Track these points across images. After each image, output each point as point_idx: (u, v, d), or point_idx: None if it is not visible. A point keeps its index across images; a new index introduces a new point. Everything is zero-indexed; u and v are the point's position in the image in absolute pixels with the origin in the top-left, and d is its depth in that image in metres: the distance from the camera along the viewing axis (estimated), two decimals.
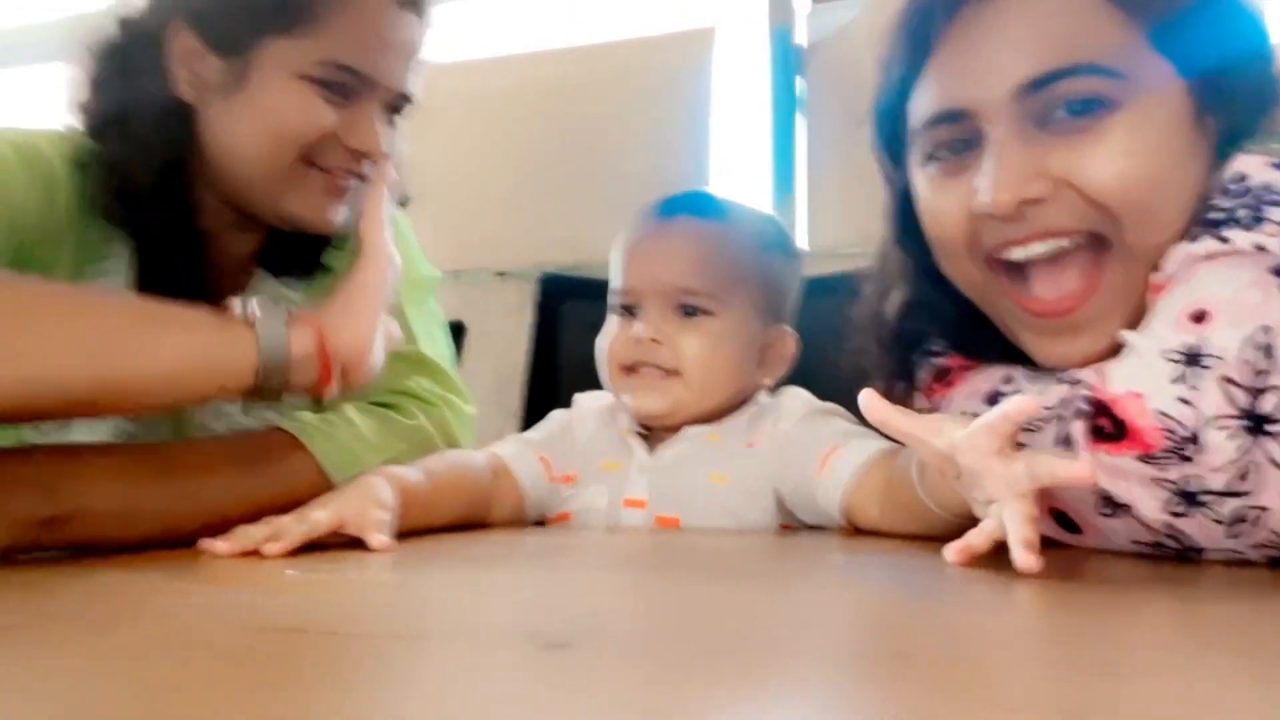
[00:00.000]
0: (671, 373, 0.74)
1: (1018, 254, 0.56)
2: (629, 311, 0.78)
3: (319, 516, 0.55)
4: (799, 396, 0.78)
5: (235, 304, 0.60)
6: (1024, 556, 0.44)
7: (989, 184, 0.55)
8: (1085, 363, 0.55)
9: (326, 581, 0.44)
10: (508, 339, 1.47)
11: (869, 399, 0.51)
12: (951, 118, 0.58)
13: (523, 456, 0.78)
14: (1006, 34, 0.56)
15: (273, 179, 0.72)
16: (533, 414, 1.24)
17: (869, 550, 0.60)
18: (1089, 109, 0.54)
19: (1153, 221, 0.53)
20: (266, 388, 0.59)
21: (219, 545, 0.53)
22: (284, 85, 0.70)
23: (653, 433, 0.78)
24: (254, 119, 0.71)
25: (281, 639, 0.31)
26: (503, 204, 1.61)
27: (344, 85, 0.71)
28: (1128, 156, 0.53)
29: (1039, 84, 0.54)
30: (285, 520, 0.55)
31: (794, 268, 0.83)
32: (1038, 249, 0.56)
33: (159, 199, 0.74)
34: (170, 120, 0.72)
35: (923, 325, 0.67)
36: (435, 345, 0.83)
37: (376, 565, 0.51)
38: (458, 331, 1.26)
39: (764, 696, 0.24)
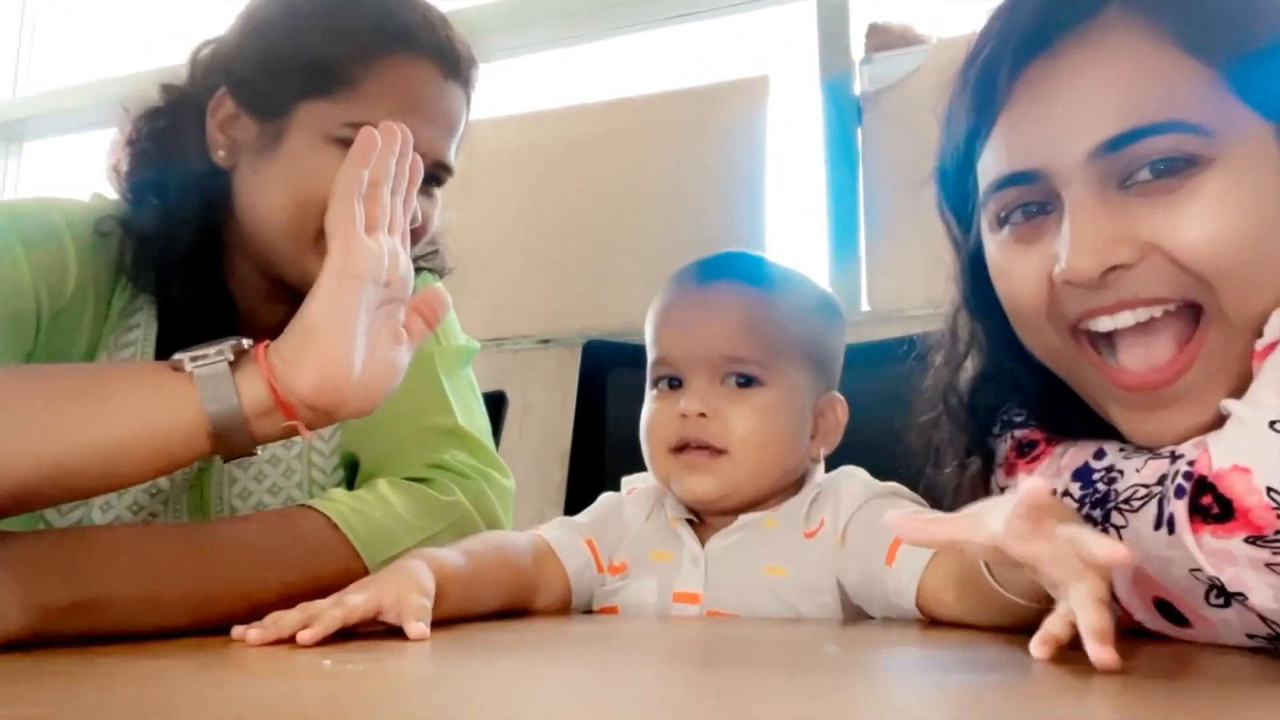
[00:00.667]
0: (720, 451, 0.73)
1: (1104, 324, 0.56)
2: (671, 384, 0.77)
3: (355, 602, 0.55)
4: (857, 478, 0.77)
5: (180, 358, 0.56)
6: (1095, 650, 0.42)
7: (1069, 250, 0.54)
8: (1182, 439, 0.54)
9: (363, 673, 0.44)
10: (552, 409, 1.49)
11: (896, 521, 0.50)
12: (1024, 179, 0.58)
13: (569, 541, 0.77)
14: (1080, 90, 0.55)
15: (299, 243, 0.73)
16: (576, 487, 1.24)
17: (943, 643, 0.58)
18: (1175, 169, 0.53)
19: (1252, 286, 0.53)
20: (232, 447, 0.57)
21: (251, 634, 0.53)
22: (315, 147, 0.73)
23: (703, 519, 0.77)
24: (283, 181, 0.74)
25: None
26: (547, 267, 1.64)
27: None
28: (1220, 217, 0.53)
29: (1118, 143, 0.54)
30: (320, 606, 0.56)
31: (841, 330, 0.83)
32: (1127, 318, 0.55)
33: (191, 265, 0.77)
34: (207, 185, 0.76)
35: (1000, 398, 0.67)
36: (472, 417, 0.84)
37: (414, 655, 0.52)
38: (498, 401, 1.27)
39: None
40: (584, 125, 1.70)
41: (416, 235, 0.77)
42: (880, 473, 0.78)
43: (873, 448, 0.81)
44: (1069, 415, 0.63)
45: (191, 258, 0.77)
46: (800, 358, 0.77)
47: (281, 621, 0.54)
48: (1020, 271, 0.59)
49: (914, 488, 0.74)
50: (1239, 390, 0.53)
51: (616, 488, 0.86)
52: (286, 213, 0.74)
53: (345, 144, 0.70)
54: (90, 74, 2.12)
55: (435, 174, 0.78)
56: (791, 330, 0.77)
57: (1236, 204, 0.53)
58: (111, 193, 0.80)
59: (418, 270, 0.86)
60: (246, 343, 0.58)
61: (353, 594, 0.57)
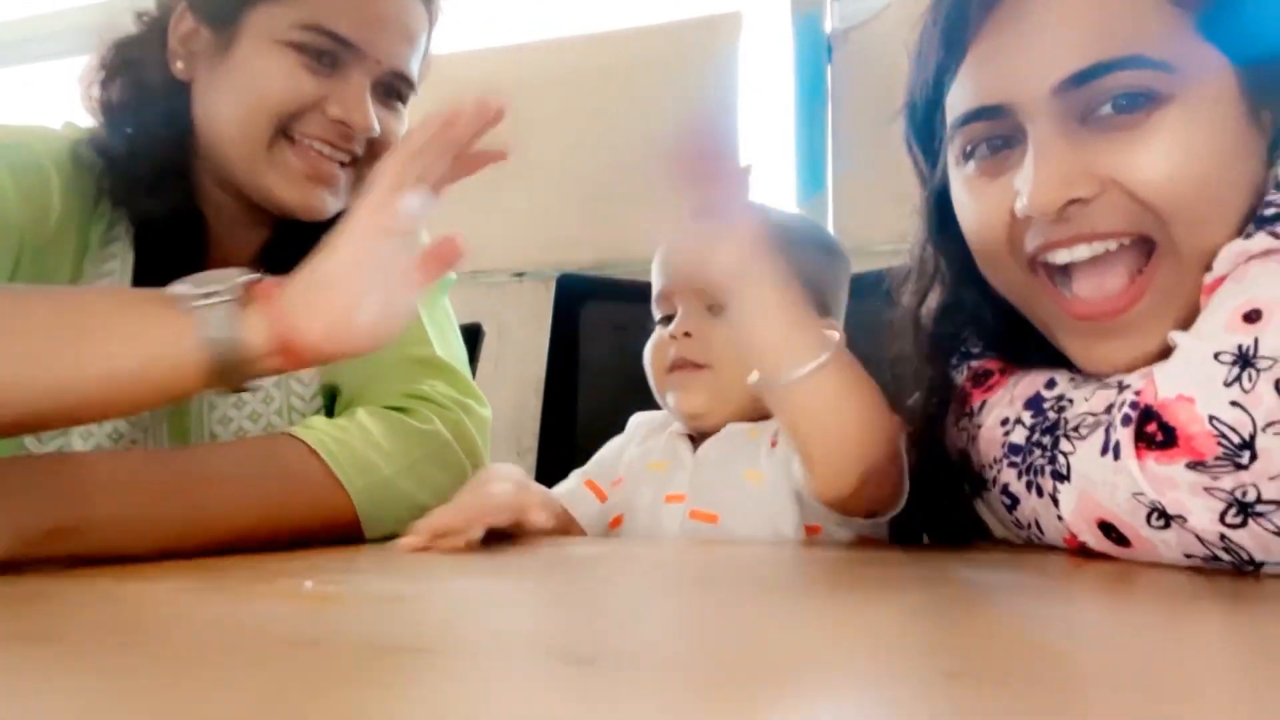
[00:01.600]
0: (704, 367, 0.74)
1: (1062, 256, 0.56)
2: (668, 319, 0.78)
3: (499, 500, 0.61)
4: None
5: (179, 288, 0.54)
6: None
7: (1031, 185, 0.54)
8: (1130, 368, 0.55)
9: (345, 595, 0.44)
10: (527, 340, 1.48)
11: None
12: (990, 114, 0.57)
13: (576, 493, 0.80)
14: (1047, 25, 0.55)
15: (252, 152, 0.71)
16: (551, 414, 1.24)
17: (911, 563, 0.59)
18: (1136, 104, 0.53)
19: (1204, 223, 0.53)
20: (228, 383, 0.55)
21: (406, 542, 0.57)
22: (265, 51, 0.70)
23: (701, 437, 0.78)
24: (235, 87, 0.71)
25: (300, 652, 0.31)
26: (522, 202, 1.62)
27: (327, 52, 0.70)
28: (1178, 154, 0.52)
29: (1083, 78, 0.53)
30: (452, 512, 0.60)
31: (834, 265, 0.82)
32: (1083, 251, 0.55)
33: (161, 183, 0.74)
34: (168, 100, 0.73)
35: (961, 329, 0.67)
36: (449, 347, 0.83)
37: (396, 578, 0.52)
38: (474, 334, 1.26)
39: (801, 716, 0.24)
40: (560, 60, 1.67)
41: (379, 148, 0.75)
42: None
43: None
44: (1025, 345, 0.63)
45: (161, 176, 0.74)
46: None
47: (434, 523, 0.58)
48: (983, 205, 0.59)
49: None
50: (1187, 322, 0.53)
51: (590, 415, 0.87)
52: (236, 119, 0.71)
53: (295, 47, 0.70)
54: (56, 2, 2.03)
55: (395, 85, 0.76)
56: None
57: (1195, 141, 0.53)
58: (82, 122, 0.77)
59: None
60: (253, 278, 0.55)
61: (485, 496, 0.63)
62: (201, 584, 0.49)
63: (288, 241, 0.77)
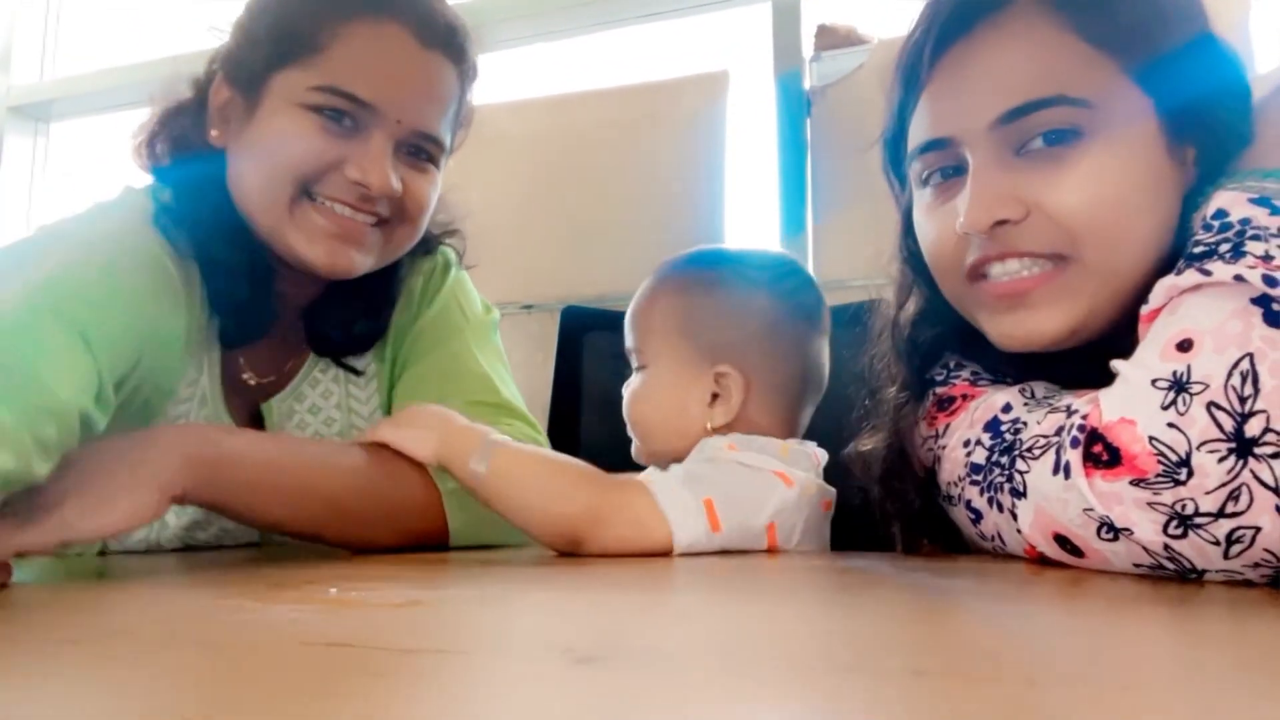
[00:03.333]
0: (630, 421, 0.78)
1: (995, 270, 0.59)
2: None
3: None
4: (703, 448, 0.72)
5: None
6: None
7: (966, 205, 0.57)
8: (1028, 344, 0.58)
9: (366, 599, 0.44)
10: (533, 368, 1.48)
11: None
12: (939, 145, 0.60)
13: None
14: (988, 69, 0.58)
15: (276, 212, 0.67)
16: (555, 439, 1.24)
17: (886, 570, 0.59)
18: (1063, 138, 0.56)
19: (1116, 244, 0.56)
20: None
21: None
22: (284, 114, 0.67)
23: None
24: (258, 150, 0.68)
25: (324, 653, 0.31)
26: (529, 240, 1.63)
27: (346, 113, 0.66)
28: (1093, 183, 0.55)
29: (1014, 115, 0.56)
30: None
31: (720, 304, 0.76)
32: (1013, 266, 0.58)
33: (232, 238, 0.70)
34: (208, 165, 0.70)
35: (931, 332, 0.69)
36: (509, 387, 0.81)
37: (414, 584, 0.52)
38: None
39: (783, 710, 0.24)
40: (563, 115, 1.69)
41: (408, 207, 0.71)
42: (825, 425, 0.79)
43: (820, 404, 0.82)
44: (988, 347, 0.64)
45: (230, 232, 0.70)
46: (672, 339, 0.75)
47: None
48: (935, 225, 0.63)
49: (849, 440, 0.74)
50: (1101, 329, 0.57)
51: (593, 437, 0.87)
52: (260, 181, 0.68)
53: (314, 109, 0.66)
54: (115, 58, 2.05)
55: (421, 146, 0.71)
56: (662, 316, 0.77)
57: (1111, 172, 0.56)
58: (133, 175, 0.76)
59: (438, 245, 0.85)
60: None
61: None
62: (230, 589, 0.48)
63: (329, 304, 0.77)
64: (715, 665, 0.30)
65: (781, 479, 0.69)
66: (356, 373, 0.81)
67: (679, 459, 0.72)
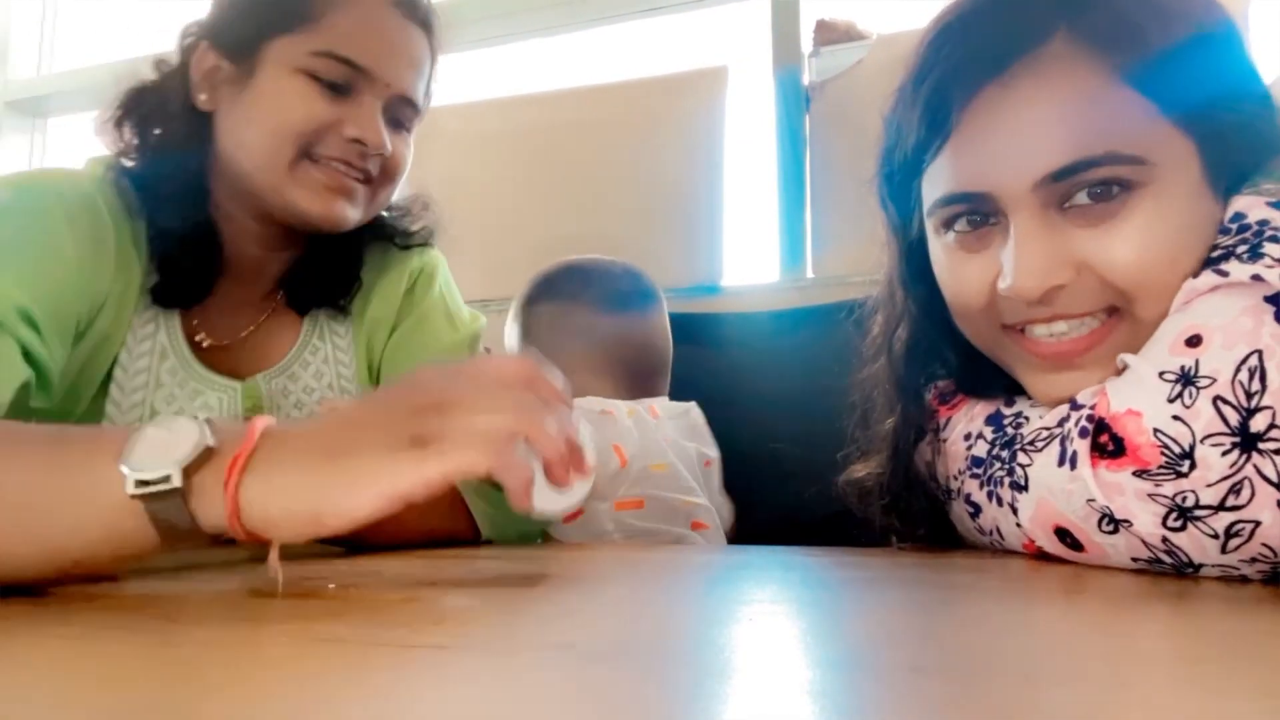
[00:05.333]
0: None
1: (1041, 330, 0.57)
2: None
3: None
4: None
5: (123, 466, 0.40)
6: None
7: (1014, 272, 0.54)
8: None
9: (365, 595, 0.44)
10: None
11: None
12: (972, 199, 0.57)
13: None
14: (1027, 120, 0.54)
15: (276, 170, 0.72)
16: None
17: (885, 568, 0.59)
18: (1109, 194, 0.53)
19: (1165, 293, 0.53)
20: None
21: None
22: (284, 79, 0.71)
23: None
24: (257, 113, 0.72)
25: (325, 649, 0.31)
26: (528, 237, 1.63)
27: (342, 77, 0.72)
28: (1147, 238, 0.53)
29: (1062, 175, 0.53)
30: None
31: (528, 307, 0.99)
32: (1060, 327, 0.56)
33: (181, 197, 0.74)
34: (191, 130, 0.74)
35: (927, 363, 0.68)
36: None
37: (411, 581, 0.51)
38: None
39: (783, 707, 0.24)
40: (562, 110, 1.68)
41: (390, 168, 0.77)
42: (821, 422, 0.79)
43: (814, 398, 0.82)
44: (983, 378, 0.64)
45: (183, 195, 0.74)
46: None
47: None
48: (966, 276, 0.59)
49: (850, 437, 0.75)
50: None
51: None
52: (262, 141, 0.72)
53: (311, 74, 0.71)
54: (112, 53, 2.05)
55: (402, 111, 0.77)
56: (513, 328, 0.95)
57: (1162, 225, 0.53)
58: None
59: (416, 239, 0.88)
60: (211, 442, 0.41)
61: None
62: (229, 583, 0.48)
63: (310, 265, 0.81)
64: (715, 662, 0.30)
65: (611, 412, 0.82)
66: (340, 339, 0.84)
67: None
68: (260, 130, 0.72)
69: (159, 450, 0.40)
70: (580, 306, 0.96)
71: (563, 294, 0.96)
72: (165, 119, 0.75)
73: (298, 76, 0.71)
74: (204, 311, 0.78)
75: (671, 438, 0.83)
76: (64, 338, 0.66)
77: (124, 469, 0.40)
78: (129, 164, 0.75)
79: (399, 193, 0.84)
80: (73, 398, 0.70)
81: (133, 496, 0.39)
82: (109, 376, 0.72)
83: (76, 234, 0.68)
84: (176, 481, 0.39)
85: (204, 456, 0.40)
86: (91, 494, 0.40)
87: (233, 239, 0.78)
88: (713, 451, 0.88)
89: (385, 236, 0.86)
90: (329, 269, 0.82)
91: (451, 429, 0.41)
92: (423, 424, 0.42)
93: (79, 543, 0.41)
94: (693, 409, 0.90)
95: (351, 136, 0.72)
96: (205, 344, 0.78)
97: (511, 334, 0.99)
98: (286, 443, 0.41)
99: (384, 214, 0.85)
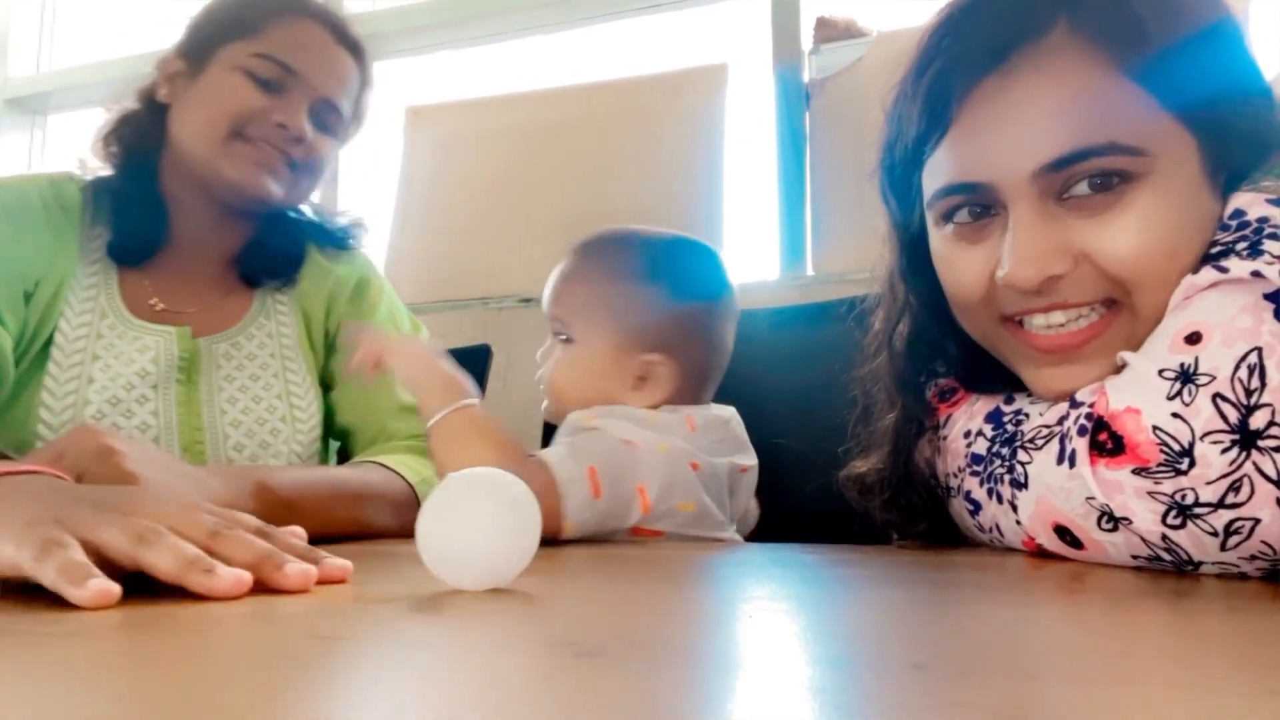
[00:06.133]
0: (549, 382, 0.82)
1: (1038, 320, 0.57)
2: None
3: None
4: (579, 417, 0.76)
5: None
6: None
7: (1012, 261, 0.54)
8: (1075, 392, 0.55)
9: (362, 594, 0.44)
10: (532, 361, 1.48)
11: None
12: (971, 189, 0.57)
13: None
14: (1027, 110, 0.54)
15: (211, 145, 0.85)
16: (549, 429, 1.24)
17: (885, 565, 0.59)
18: (1108, 184, 0.53)
19: (1164, 285, 0.53)
20: None
21: None
22: (227, 74, 0.86)
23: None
24: (202, 101, 0.86)
25: (324, 647, 0.31)
26: (529, 234, 1.63)
27: (275, 75, 0.85)
28: (1143, 230, 0.53)
29: (1061, 164, 0.53)
30: None
31: (660, 301, 0.78)
32: (1058, 318, 0.56)
33: (133, 176, 0.88)
34: (147, 119, 0.89)
35: (929, 356, 0.67)
36: None
37: (411, 579, 0.51)
38: (484, 354, 1.26)
39: (783, 704, 0.24)
40: (563, 107, 1.68)
41: (312, 162, 0.89)
42: (822, 418, 0.79)
43: (815, 395, 0.82)
44: (984, 373, 0.64)
45: (135, 174, 0.89)
46: (602, 322, 0.79)
47: None
48: (965, 267, 0.59)
49: (851, 433, 0.75)
50: (1136, 349, 0.54)
51: None
52: (201, 122, 0.86)
53: (250, 71, 0.85)
54: (109, 51, 2.04)
55: (327, 115, 0.90)
56: (592, 298, 0.80)
57: (1161, 217, 0.53)
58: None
59: (344, 245, 1.01)
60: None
61: None
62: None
63: (259, 244, 0.95)
64: (715, 659, 0.30)
65: (633, 445, 0.72)
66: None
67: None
68: (202, 113, 0.86)
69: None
70: (714, 309, 0.82)
71: (703, 294, 0.82)
72: (136, 125, 0.90)
73: (239, 73, 0.85)
74: (160, 281, 0.91)
75: (703, 460, 0.75)
76: (13, 307, 0.81)
77: None
78: (106, 170, 0.90)
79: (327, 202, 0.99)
80: (22, 355, 0.83)
81: None
82: (50, 339, 0.84)
83: (6, 221, 0.83)
84: None
85: None
86: None
87: (182, 217, 0.91)
88: (750, 460, 0.80)
89: (322, 238, 1.00)
90: (275, 248, 0.95)
91: (57, 524, 0.42)
92: (53, 513, 0.43)
93: None
94: (733, 420, 0.81)
95: (277, 122, 0.85)
96: (159, 307, 0.90)
97: (625, 300, 0.79)
98: None
99: (323, 220, 1.00)
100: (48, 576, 0.39)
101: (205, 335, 0.90)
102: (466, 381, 0.74)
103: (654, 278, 0.79)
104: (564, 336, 0.80)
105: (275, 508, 0.69)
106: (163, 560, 0.40)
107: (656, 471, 0.71)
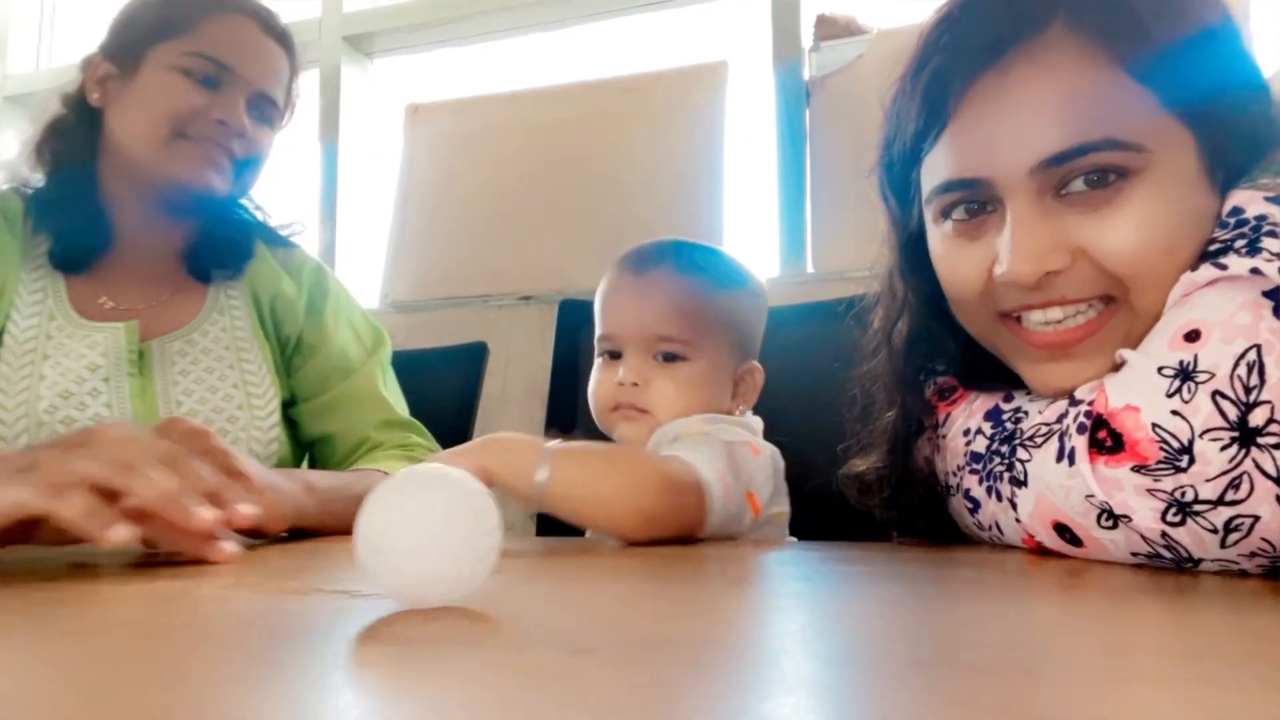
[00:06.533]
0: (646, 412, 0.77)
1: (1036, 317, 0.57)
2: (612, 356, 0.80)
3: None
4: (685, 423, 0.75)
5: None
6: None
7: (1009, 257, 0.54)
8: (1074, 389, 0.55)
9: (362, 592, 0.44)
10: (533, 358, 1.48)
11: None
12: (969, 185, 0.57)
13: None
14: (1024, 106, 0.54)
15: (154, 145, 0.86)
16: (554, 425, 1.24)
17: (886, 562, 0.59)
18: (1106, 180, 0.53)
19: (1161, 283, 0.53)
20: None
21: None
22: (163, 75, 0.87)
23: None
24: (139, 101, 0.87)
25: (324, 644, 0.31)
26: (529, 233, 1.63)
27: (211, 73, 0.87)
28: (1140, 226, 0.53)
29: (1059, 160, 0.53)
30: None
31: (761, 307, 0.84)
32: (1055, 314, 0.56)
33: (71, 183, 0.89)
34: (85, 125, 0.89)
35: (928, 355, 0.67)
36: (402, 406, 1.01)
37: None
38: (480, 352, 1.26)
39: (782, 701, 0.24)
40: (563, 104, 1.68)
41: (252, 153, 0.90)
42: (821, 415, 0.79)
43: (815, 395, 0.82)
44: (983, 371, 0.64)
45: (74, 180, 0.89)
46: (722, 334, 0.78)
47: None
48: (963, 264, 0.59)
49: (850, 432, 0.75)
50: (1134, 346, 0.54)
51: (590, 427, 0.86)
52: (142, 124, 0.87)
53: (186, 70, 0.86)
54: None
55: (264, 107, 0.91)
56: (715, 311, 0.78)
57: (1159, 213, 0.53)
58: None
59: (286, 242, 1.02)
60: None
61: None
62: (229, 581, 0.48)
63: (204, 238, 0.96)
64: (713, 656, 0.30)
65: (751, 449, 0.72)
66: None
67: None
68: (142, 115, 0.87)
69: None
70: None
71: (762, 291, 0.84)
72: (67, 131, 0.90)
73: (174, 73, 0.86)
74: (110, 281, 0.92)
75: (781, 464, 0.76)
76: None
77: None
78: (38, 177, 0.91)
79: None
80: None
81: None
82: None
83: None
84: None
85: None
86: None
87: (125, 217, 0.92)
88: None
89: (264, 235, 1.01)
90: (222, 240, 0.96)
91: (42, 468, 0.47)
92: (41, 459, 0.48)
93: None
94: (778, 455, 0.79)
95: (217, 118, 0.87)
96: (108, 306, 0.91)
97: (729, 314, 0.79)
98: None
99: (263, 219, 1.01)
100: (69, 514, 0.44)
101: (159, 334, 0.91)
102: (517, 433, 0.67)
103: (751, 286, 0.83)
104: (673, 355, 0.77)
105: (319, 506, 0.73)
106: (147, 489, 0.46)
107: (756, 477, 0.71)
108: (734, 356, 0.80)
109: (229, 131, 0.87)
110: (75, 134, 0.90)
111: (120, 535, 0.46)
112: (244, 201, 1.00)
